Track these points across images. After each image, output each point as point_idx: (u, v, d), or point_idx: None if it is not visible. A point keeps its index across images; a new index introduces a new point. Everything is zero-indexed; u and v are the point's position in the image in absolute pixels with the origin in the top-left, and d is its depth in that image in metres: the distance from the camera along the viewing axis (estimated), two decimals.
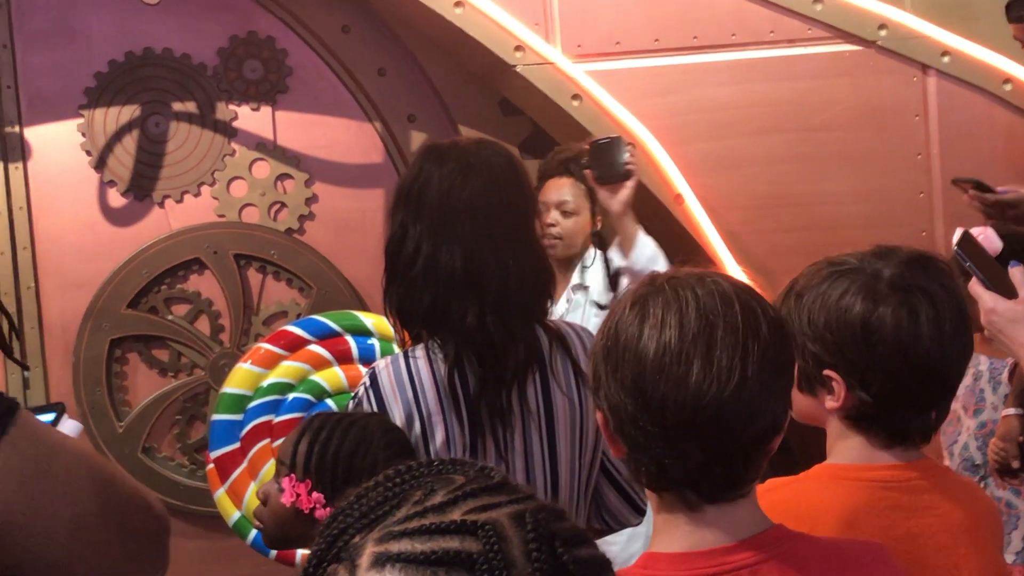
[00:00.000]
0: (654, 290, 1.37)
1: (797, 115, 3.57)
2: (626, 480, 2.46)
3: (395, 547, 0.90)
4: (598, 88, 3.52)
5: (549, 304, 2.39)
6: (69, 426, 2.14)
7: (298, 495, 2.10)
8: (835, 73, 3.58)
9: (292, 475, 2.12)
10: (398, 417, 2.24)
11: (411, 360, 2.27)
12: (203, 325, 4.06)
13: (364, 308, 3.99)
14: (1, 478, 1.53)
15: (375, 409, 2.24)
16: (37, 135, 3.96)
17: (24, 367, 2.65)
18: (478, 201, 2.25)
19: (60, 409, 2.20)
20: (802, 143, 3.57)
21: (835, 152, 3.58)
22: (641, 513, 2.48)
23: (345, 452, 2.10)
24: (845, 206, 3.58)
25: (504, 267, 2.24)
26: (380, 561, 0.89)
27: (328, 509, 2.09)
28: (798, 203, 3.56)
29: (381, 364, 2.28)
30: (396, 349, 2.46)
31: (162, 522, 1.70)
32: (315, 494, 2.10)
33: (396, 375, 2.26)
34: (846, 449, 1.70)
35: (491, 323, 2.22)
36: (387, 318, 2.33)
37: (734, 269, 3.48)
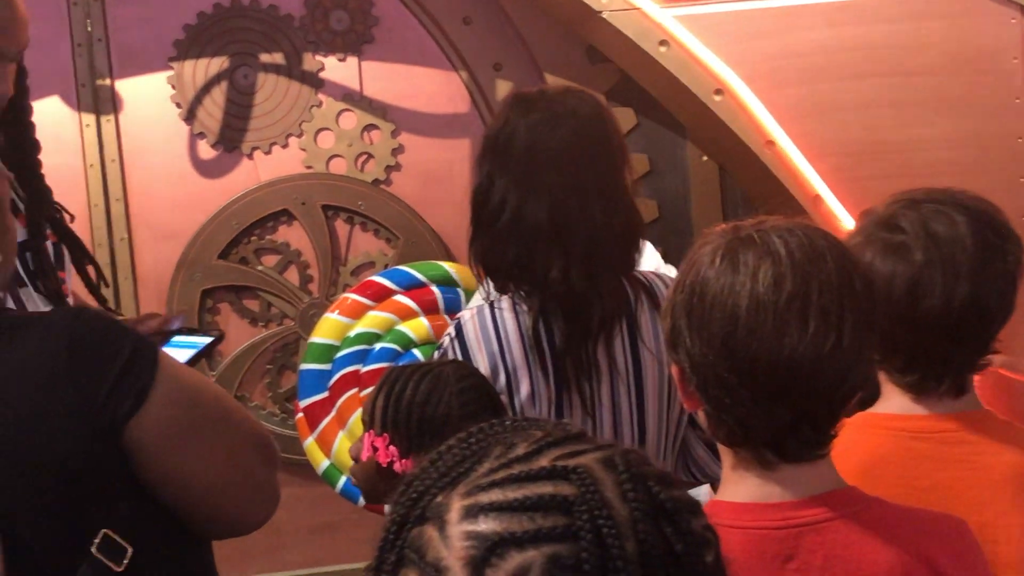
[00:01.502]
0: (743, 241, 1.31)
1: (891, 59, 3.48)
2: (709, 447, 2.43)
3: (485, 498, 0.88)
4: (686, 33, 3.46)
5: (637, 256, 2.36)
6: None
7: (376, 449, 2.11)
8: (931, 15, 3.48)
9: (372, 430, 2.13)
10: (483, 369, 2.23)
11: (496, 312, 2.25)
12: (292, 275, 4.09)
13: (450, 258, 3.99)
14: (155, 421, 1.62)
15: (459, 359, 2.24)
16: (128, 88, 4.00)
17: (118, 315, 2.69)
18: (565, 151, 2.22)
19: (218, 338, 2.27)
20: (897, 88, 3.47)
21: (930, 97, 3.49)
22: None
23: (418, 402, 2.09)
24: (940, 152, 3.49)
25: (591, 219, 2.21)
26: (472, 512, 0.87)
27: (404, 462, 2.10)
28: (892, 150, 3.47)
29: (466, 315, 2.27)
30: (480, 300, 2.46)
31: (273, 451, 1.80)
32: (391, 447, 2.10)
33: (481, 326, 2.24)
34: (884, 398, 1.68)
35: (576, 276, 2.20)
36: (472, 269, 2.32)
37: (838, 212, 3.41)
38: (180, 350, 2.23)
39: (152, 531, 1.66)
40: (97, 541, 1.60)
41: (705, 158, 3.94)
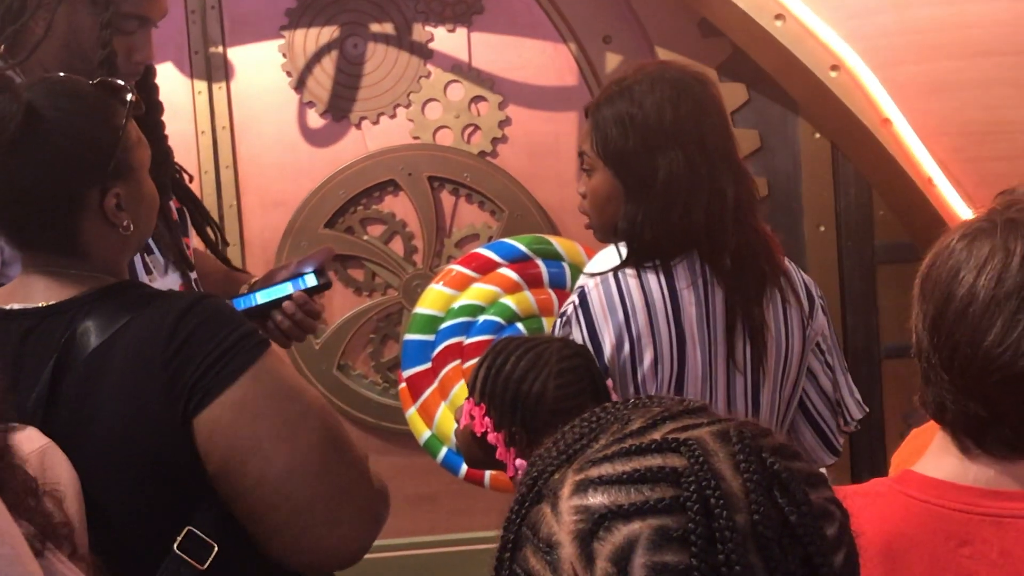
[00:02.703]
0: (989, 227, 1.28)
1: (1013, 37, 3.37)
2: (823, 418, 2.41)
3: (595, 472, 0.87)
4: (802, 7, 3.39)
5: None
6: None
7: (473, 418, 2.13)
8: None
9: (471, 398, 2.15)
10: (608, 339, 2.22)
11: (622, 281, 2.25)
12: (397, 246, 4.10)
13: (555, 232, 3.97)
14: (233, 409, 1.58)
15: (584, 329, 2.24)
16: (239, 56, 4.04)
17: (245, 272, 2.74)
18: (726, 123, 2.33)
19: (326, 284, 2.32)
20: (1018, 67, 3.37)
21: None
22: (836, 453, 2.44)
23: (515, 377, 2.11)
24: None
25: (752, 190, 2.34)
26: (582, 487, 0.87)
27: (497, 435, 2.10)
28: (1013, 130, 3.37)
29: (591, 283, 2.27)
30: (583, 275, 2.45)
31: (379, 498, 1.70)
32: (487, 418, 2.12)
33: (607, 295, 2.25)
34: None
35: (757, 245, 2.27)
36: (628, 240, 2.30)
37: (948, 195, 3.33)
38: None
39: (239, 531, 1.62)
40: (180, 538, 1.58)
41: (818, 135, 3.86)
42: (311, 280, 2.36)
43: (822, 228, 3.93)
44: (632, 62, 2.86)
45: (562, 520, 0.86)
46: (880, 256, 3.91)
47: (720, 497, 0.84)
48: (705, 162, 2.24)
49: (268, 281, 2.43)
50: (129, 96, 1.76)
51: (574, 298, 2.29)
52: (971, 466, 1.31)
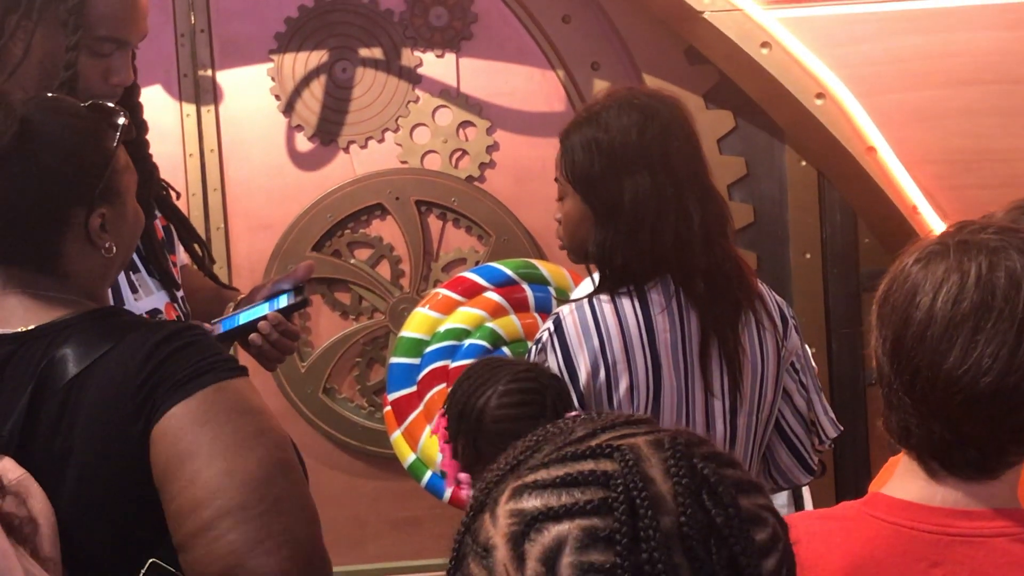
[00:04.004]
0: (943, 249, 1.29)
1: (996, 67, 3.40)
2: (798, 437, 2.43)
3: (531, 477, 0.90)
4: (789, 36, 3.41)
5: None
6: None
7: (439, 428, 2.22)
8: None
9: (443, 409, 2.23)
10: (583, 365, 2.23)
11: (596, 307, 2.26)
12: (384, 270, 4.11)
13: (542, 256, 3.98)
14: (185, 417, 1.56)
15: (559, 355, 2.25)
16: (228, 79, 4.05)
17: (233, 289, 2.74)
18: (692, 145, 2.36)
19: (300, 303, 2.30)
20: (1001, 96, 3.40)
21: None
22: (811, 472, 2.46)
23: (466, 391, 2.17)
24: None
25: (725, 214, 2.35)
26: (518, 492, 0.90)
27: (447, 446, 2.20)
28: (997, 159, 3.40)
29: (565, 310, 2.28)
30: (571, 298, 2.46)
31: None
32: (446, 430, 2.21)
33: (582, 322, 2.25)
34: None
35: (725, 270, 2.27)
36: (597, 267, 2.31)
37: (932, 223, 3.35)
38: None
39: None
40: (144, 570, 1.53)
41: (804, 163, 3.89)
42: (286, 299, 2.34)
43: (808, 255, 3.95)
44: (606, 88, 2.88)
45: (498, 524, 0.89)
46: (865, 283, 3.92)
47: (647, 499, 0.86)
48: (672, 185, 2.25)
49: (251, 300, 2.43)
50: (121, 120, 1.76)
51: (549, 324, 2.30)
52: (938, 488, 1.31)
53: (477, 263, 3.99)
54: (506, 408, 2.14)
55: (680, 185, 2.26)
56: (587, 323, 2.25)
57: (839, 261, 3.95)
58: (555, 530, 0.86)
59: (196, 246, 2.61)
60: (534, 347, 2.31)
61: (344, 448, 4.06)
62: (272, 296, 2.37)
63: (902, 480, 1.34)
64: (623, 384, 2.24)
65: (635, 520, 0.85)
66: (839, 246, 3.94)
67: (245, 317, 2.34)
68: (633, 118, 2.31)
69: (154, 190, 2.42)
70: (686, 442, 0.90)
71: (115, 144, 1.74)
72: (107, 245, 1.73)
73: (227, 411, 1.56)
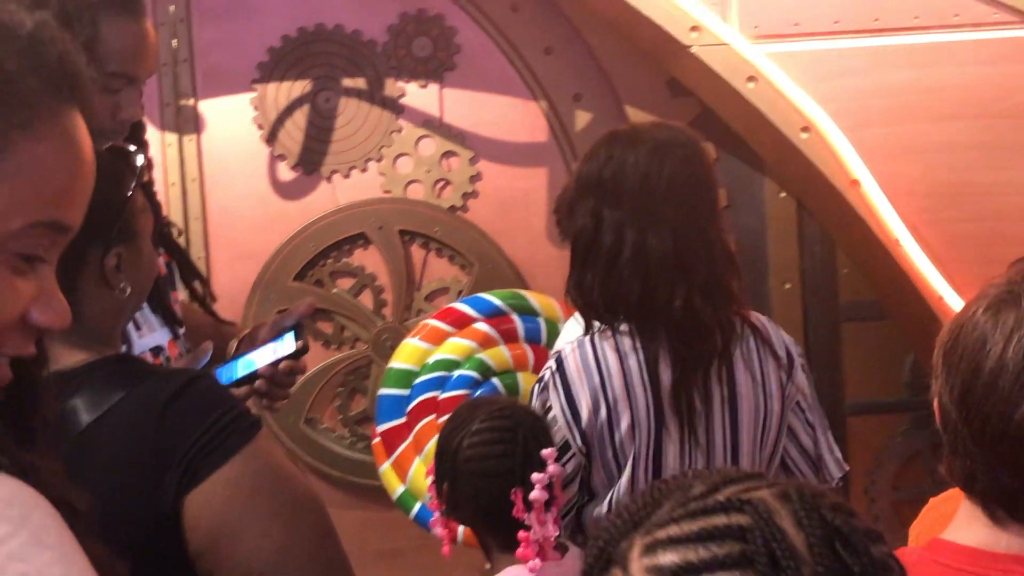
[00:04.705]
0: (1012, 298, 1.30)
1: (980, 101, 3.46)
2: (804, 476, 2.44)
3: (663, 533, 0.90)
4: (775, 70, 3.45)
5: (739, 286, 2.39)
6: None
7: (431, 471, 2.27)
8: (1021, 59, 3.46)
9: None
10: (584, 402, 2.24)
11: (597, 345, 2.27)
12: (366, 299, 4.11)
13: (525, 286, 4.00)
14: (228, 487, 1.55)
15: (561, 394, 2.26)
16: (211, 108, 4.04)
17: (230, 323, 2.71)
18: (679, 180, 2.25)
19: (298, 351, 2.22)
20: (985, 130, 3.46)
21: (1019, 141, 3.46)
22: None
23: (444, 433, 2.25)
24: None
25: (709, 247, 2.24)
26: (652, 548, 0.90)
27: (432, 486, 2.27)
28: (979, 192, 3.45)
29: (567, 348, 2.28)
30: (560, 329, 2.47)
31: None
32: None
33: (583, 360, 2.26)
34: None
35: (699, 305, 2.22)
36: (572, 302, 2.33)
37: (915, 257, 3.39)
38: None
39: None
40: None
41: (783, 194, 3.93)
42: (288, 347, 2.29)
43: (788, 285, 3.99)
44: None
45: None
46: (844, 314, 3.97)
47: (787, 549, 0.87)
48: (630, 219, 2.24)
49: (251, 343, 2.40)
50: (140, 161, 1.76)
51: (552, 363, 2.30)
52: (1003, 534, 1.33)
53: (460, 293, 3.99)
54: (476, 447, 2.18)
55: (638, 220, 2.24)
56: (588, 361, 2.26)
57: (818, 291, 3.99)
58: None
59: (197, 283, 2.59)
60: (537, 386, 2.31)
61: (326, 479, 4.05)
62: (274, 339, 2.32)
63: (966, 526, 1.35)
64: (624, 422, 2.24)
65: (778, 571, 0.86)
66: (818, 276, 3.98)
67: (244, 368, 2.29)
68: (600, 152, 2.32)
69: (158, 227, 2.40)
70: (811, 493, 0.91)
71: (134, 184, 1.74)
72: (122, 285, 1.72)
73: (267, 479, 1.57)
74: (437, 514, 2.33)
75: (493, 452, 2.18)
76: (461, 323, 3.54)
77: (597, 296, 2.27)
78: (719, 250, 2.28)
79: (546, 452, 2.17)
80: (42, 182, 0.95)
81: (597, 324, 2.29)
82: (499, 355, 3.52)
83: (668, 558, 0.88)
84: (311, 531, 1.58)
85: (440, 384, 3.50)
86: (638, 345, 2.24)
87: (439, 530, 2.36)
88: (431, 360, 3.51)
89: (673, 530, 0.90)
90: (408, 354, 3.55)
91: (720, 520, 0.89)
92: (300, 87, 4.05)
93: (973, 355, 1.30)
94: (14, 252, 0.95)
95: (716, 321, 2.26)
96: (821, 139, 3.47)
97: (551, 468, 2.18)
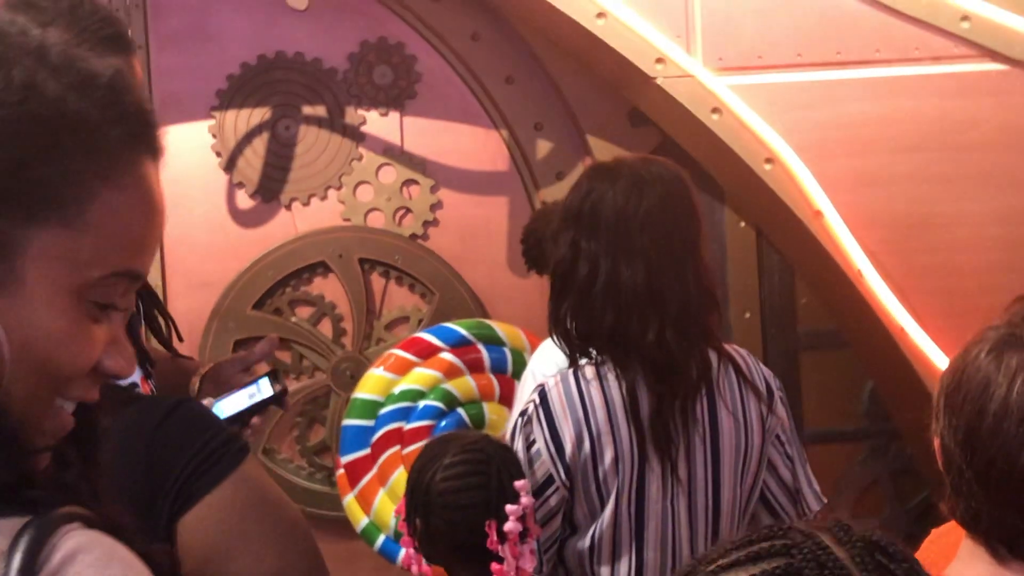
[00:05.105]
0: (1015, 340, 1.32)
1: (941, 134, 3.51)
2: (784, 509, 2.44)
3: (713, 566, 0.93)
4: (738, 102, 3.48)
5: (718, 321, 2.39)
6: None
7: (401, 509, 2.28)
8: (981, 92, 3.52)
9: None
10: (568, 436, 2.24)
11: (581, 379, 2.26)
12: (326, 328, 4.07)
13: (486, 315, 3.99)
14: (219, 511, 1.53)
15: (544, 427, 2.25)
16: (168, 135, 3.97)
17: (188, 358, 2.66)
18: (656, 215, 2.25)
19: (276, 396, 2.17)
20: (945, 162, 3.51)
21: (978, 172, 3.52)
22: None
23: (416, 468, 2.22)
24: (987, 228, 3.51)
25: (684, 282, 2.24)
26: None
27: (404, 522, 2.25)
28: (939, 223, 3.50)
29: (551, 382, 2.28)
30: (526, 359, 2.46)
31: None
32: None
33: (566, 393, 2.25)
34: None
35: (672, 339, 2.22)
36: (553, 335, 2.32)
37: (877, 287, 3.43)
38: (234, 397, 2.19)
39: None
40: None
41: (743, 224, 3.96)
42: (266, 392, 2.25)
43: (747, 315, 4.02)
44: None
45: None
46: (803, 343, 4.00)
47: (832, 559, 0.89)
48: (606, 251, 2.24)
49: (218, 381, 2.34)
50: None
51: (535, 396, 2.29)
52: (1005, 572, 1.34)
53: (420, 322, 3.98)
54: (450, 480, 2.18)
55: (612, 250, 2.25)
56: (571, 394, 2.25)
57: (777, 320, 4.02)
58: None
59: (161, 318, 2.54)
60: (520, 419, 2.30)
61: None
62: (250, 383, 2.27)
63: (968, 563, 1.37)
64: (608, 455, 2.23)
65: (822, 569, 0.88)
66: (777, 306, 4.01)
67: (224, 410, 2.23)
68: (581, 184, 2.33)
69: None
70: (845, 524, 0.94)
71: None
72: None
73: (259, 502, 1.55)
74: (410, 550, 2.30)
75: (467, 484, 2.17)
76: (426, 353, 3.53)
77: (572, 326, 2.27)
78: (696, 285, 2.28)
79: (519, 484, 2.17)
80: (123, 232, 0.95)
81: (579, 357, 2.28)
82: (464, 385, 3.51)
83: None
84: (303, 555, 1.55)
85: (405, 415, 3.48)
86: (617, 378, 2.23)
87: (414, 568, 2.33)
88: (396, 390, 3.49)
89: (722, 561, 0.93)
90: (372, 384, 3.53)
91: (766, 544, 0.92)
92: (260, 115, 4.02)
93: (977, 398, 1.32)
94: (91, 300, 0.95)
95: (690, 355, 2.25)
96: (784, 170, 3.50)
97: (524, 500, 2.17)
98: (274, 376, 2.22)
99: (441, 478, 2.16)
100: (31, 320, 0.91)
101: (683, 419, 2.27)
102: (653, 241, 2.26)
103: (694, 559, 0.97)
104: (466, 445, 2.22)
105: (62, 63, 0.94)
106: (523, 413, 2.29)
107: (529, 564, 2.19)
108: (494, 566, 2.15)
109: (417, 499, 2.20)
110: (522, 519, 2.16)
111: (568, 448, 2.22)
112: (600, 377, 2.25)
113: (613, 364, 2.24)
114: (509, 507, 2.14)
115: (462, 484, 2.16)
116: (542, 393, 2.27)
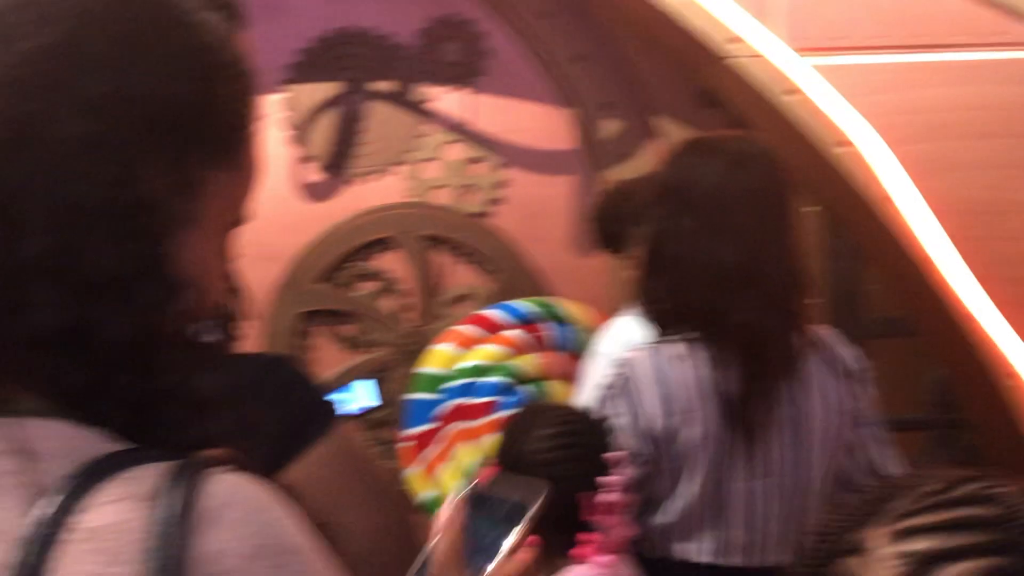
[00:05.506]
0: None
1: (1017, 120, 3.46)
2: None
3: (912, 522, 0.93)
4: (813, 83, 3.44)
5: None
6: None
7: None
8: None
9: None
10: (654, 411, 2.22)
11: (669, 353, 2.25)
12: (389, 303, 4.08)
13: (549, 294, 3.97)
14: (323, 467, 1.57)
15: (631, 400, 2.23)
16: None
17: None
18: (757, 193, 2.23)
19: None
20: (1021, 149, 3.45)
21: None
22: None
23: (507, 438, 2.18)
24: None
25: (780, 261, 2.21)
26: (901, 536, 0.93)
27: None
28: (1017, 211, 3.45)
29: (638, 355, 2.26)
30: (591, 337, 2.44)
31: None
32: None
33: (655, 367, 2.24)
34: None
35: (765, 319, 2.20)
36: (645, 311, 2.31)
37: (949, 274, 3.38)
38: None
39: None
40: None
41: (813, 208, 3.92)
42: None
43: (815, 300, 3.97)
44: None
45: (882, 566, 0.93)
46: (871, 330, 3.96)
47: None
48: (704, 228, 2.24)
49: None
50: None
51: (622, 369, 2.28)
52: None
53: (483, 299, 3.97)
54: (545, 452, 2.14)
55: (711, 228, 2.24)
56: (659, 369, 2.23)
57: (845, 307, 3.98)
58: (955, 570, 0.90)
59: None
60: (606, 391, 2.29)
61: None
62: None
63: None
64: (694, 433, 2.22)
65: None
66: (845, 292, 3.98)
67: None
68: (667, 160, 2.33)
69: None
70: None
71: None
72: None
73: (361, 461, 1.61)
74: None
75: (563, 456, 2.13)
76: (491, 329, 3.52)
77: (664, 303, 2.25)
78: (791, 266, 2.26)
79: (616, 455, 2.15)
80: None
81: (670, 333, 2.27)
82: (529, 362, 3.50)
83: (922, 544, 0.92)
84: (399, 512, 1.66)
85: (469, 390, 3.48)
86: (708, 355, 2.22)
87: None
88: (461, 366, 3.49)
89: (923, 519, 0.93)
90: (437, 359, 3.53)
91: (969, 511, 0.93)
92: (329, 89, 4.02)
93: None
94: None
95: (781, 336, 2.24)
96: (857, 154, 3.45)
97: (620, 471, 2.15)
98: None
99: (535, 449, 2.12)
100: (204, 255, 0.97)
101: (771, 400, 2.25)
102: (752, 219, 2.24)
103: (866, 508, 0.96)
104: (558, 416, 2.19)
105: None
106: (609, 386, 2.27)
107: (626, 533, 2.17)
108: (585, 535, 2.14)
109: (508, 467, 2.15)
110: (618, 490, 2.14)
111: (654, 423, 2.20)
112: (689, 353, 2.23)
113: (705, 342, 2.22)
114: (608, 478, 2.13)
115: (558, 456, 2.13)
116: (630, 366, 2.25)
